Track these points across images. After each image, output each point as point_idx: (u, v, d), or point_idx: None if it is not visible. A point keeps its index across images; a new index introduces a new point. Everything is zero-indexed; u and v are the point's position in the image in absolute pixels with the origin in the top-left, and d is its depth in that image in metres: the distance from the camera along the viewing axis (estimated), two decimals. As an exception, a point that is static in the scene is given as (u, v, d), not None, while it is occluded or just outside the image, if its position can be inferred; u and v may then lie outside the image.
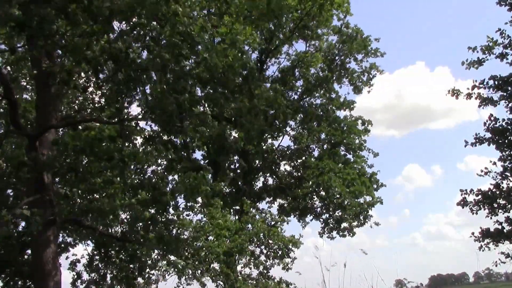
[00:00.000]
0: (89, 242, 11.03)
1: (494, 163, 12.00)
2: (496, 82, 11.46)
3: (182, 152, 13.01)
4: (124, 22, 6.76)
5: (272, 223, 10.52)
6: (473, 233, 12.10)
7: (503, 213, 11.77)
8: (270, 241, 9.18)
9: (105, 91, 8.13)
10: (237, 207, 15.03)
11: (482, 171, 12.14)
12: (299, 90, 17.96)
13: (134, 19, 6.67)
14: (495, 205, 11.78)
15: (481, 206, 11.87)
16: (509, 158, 11.80)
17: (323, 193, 16.42)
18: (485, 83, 11.63)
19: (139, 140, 8.97)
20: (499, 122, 11.65)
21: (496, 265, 11.92)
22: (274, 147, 18.06)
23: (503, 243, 11.65)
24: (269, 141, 17.86)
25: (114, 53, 6.53)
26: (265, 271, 8.90)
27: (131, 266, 10.41)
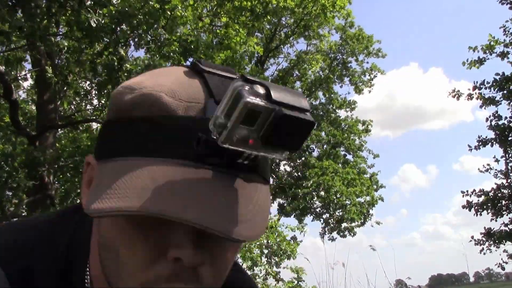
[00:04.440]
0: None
1: (497, 160, 11.89)
2: (499, 81, 11.33)
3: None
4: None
5: (270, 222, 10.44)
6: (472, 237, 12.00)
7: (507, 214, 11.64)
8: (273, 245, 9.09)
9: (103, 93, 8.12)
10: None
11: (484, 166, 12.06)
12: (299, 90, 17.95)
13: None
14: (499, 207, 11.65)
15: (485, 208, 11.73)
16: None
17: (323, 193, 16.41)
18: (486, 83, 11.55)
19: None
20: (502, 120, 11.56)
21: (504, 268, 11.77)
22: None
23: (504, 244, 11.56)
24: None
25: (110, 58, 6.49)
26: (270, 273, 8.80)
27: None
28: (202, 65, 0.53)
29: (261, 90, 0.44)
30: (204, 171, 0.48)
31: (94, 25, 5.23)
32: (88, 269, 0.59)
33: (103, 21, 5.57)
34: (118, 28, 6.45)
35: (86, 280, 0.59)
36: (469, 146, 11.83)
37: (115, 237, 0.51)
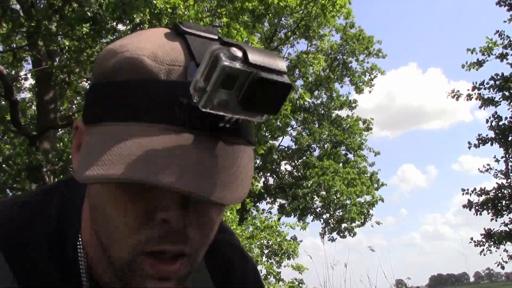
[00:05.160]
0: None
1: (497, 160, 11.85)
2: (498, 82, 11.31)
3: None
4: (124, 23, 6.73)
5: (270, 222, 10.43)
6: (472, 238, 11.95)
7: (507, 214, 11.60)
8: (274, 245, 9.08)
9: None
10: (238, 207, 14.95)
11: (484, 166, 12.06)
12: (300, 89, 17.97)
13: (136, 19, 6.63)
14: (499, 207, 11.60)
15: (486, 208, 11.67)
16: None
17: (323, 193, 16.40)
18: (485, 84, 11.52)
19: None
20: (502, 121, 11.52)
21: (503, 268, 11.72)
22: (275, 147, 18.05)
23: (504, 245, 11.50)
24: (270, 141, 17.85)
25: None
26: (272, 273, 8.78)
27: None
28: (184, 27, 0.53)
29: (238, 53, 0.44)
30: (188, 136, 0.49)
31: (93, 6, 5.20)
32: (80, 235, 0.61)
33: (104, 10, 5.55)
34: (119, 26, 6.47)
35: (78, 245, 0.61)
36: (469, 143, 11.84)
37: (106, 202, 0.52)
